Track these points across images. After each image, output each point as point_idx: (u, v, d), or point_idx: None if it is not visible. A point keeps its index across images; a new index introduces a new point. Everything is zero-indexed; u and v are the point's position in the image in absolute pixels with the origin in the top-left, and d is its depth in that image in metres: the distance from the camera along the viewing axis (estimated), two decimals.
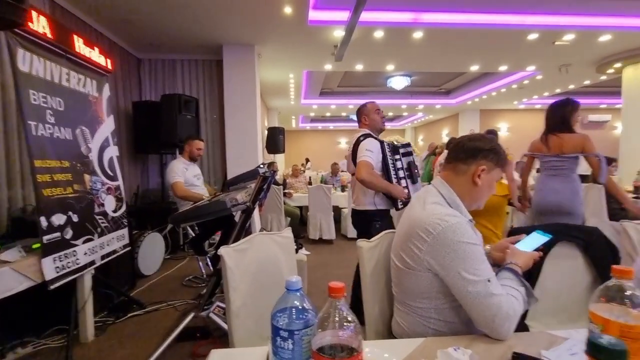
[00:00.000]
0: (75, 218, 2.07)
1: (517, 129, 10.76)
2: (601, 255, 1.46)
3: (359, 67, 5.95)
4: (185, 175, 3.11)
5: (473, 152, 1.03)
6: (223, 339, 2.16)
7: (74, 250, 2.05)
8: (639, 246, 1.53)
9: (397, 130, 16.31)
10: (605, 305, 0.63)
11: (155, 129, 4.29)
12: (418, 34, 4.41)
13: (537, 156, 2.64)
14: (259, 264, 1.27)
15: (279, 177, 6.44)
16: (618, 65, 5.54)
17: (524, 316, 1.46)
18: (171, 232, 4.25)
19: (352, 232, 4.91)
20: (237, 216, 2.41)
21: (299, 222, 5.38)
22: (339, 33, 4.22)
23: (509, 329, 0.87)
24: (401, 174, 2.30)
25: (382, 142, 2.25)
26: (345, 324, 0.51)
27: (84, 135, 2.29)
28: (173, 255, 4.23)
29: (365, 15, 3.89)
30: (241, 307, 1.15)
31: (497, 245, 1.20)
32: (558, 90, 8.16)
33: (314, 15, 3.89)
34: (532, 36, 4.52)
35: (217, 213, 1.87)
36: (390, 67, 6.01)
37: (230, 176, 4.57)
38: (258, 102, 5.01)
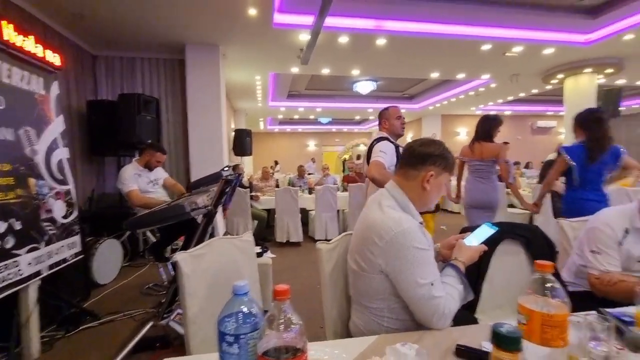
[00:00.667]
0: (17, 225, 1.92)
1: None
2: (540, 251, 1.59)
3: (326, 71, 6.03)
4: (138, 182, 2.96)
5: (422, 158, 1.09)
6: (184, 348, 2.09)
7: (16, 261, 1.90)
8: (574, 241, 1.69)
9: (364, 134, 16.66)
10: (532, 297, 0.69)
11: (112, 130, 4.07)
12: (381, 41, 4.55)
13: (466, 160, 3.14)
14: (218, 269, 1.26)
15: (245, 179, 6.33)
16: (560, 76, 6.06)
17: (473, 310, 1.57)
18: (130, 238, 4.05)
19: (319, 233, 4.95)
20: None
21: (266, 225, 5.33)
22: (304, 37, 4.26)
23: (444, 324, 0.98)
24: None
25: (397, 146, 2.31)
26: (291, 325, 0.52)
27: (29, 136, 2.13)
28: (132, 262, 4.03)
29: (330, 21, 3.96)
30: (198, 314, 1.13)
31: (446, 242, 1.28)
32: (510, 98, 8.76)
33: (279, 18, 3.90)
34: (486, 47, 4.83)
35: (175, 218, 1.82)
36: (355, 72, 6.15)
37: (194, 179, 4.44)
38: (223, 103, 4.92)
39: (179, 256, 1.10)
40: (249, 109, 9.78)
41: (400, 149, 2.28)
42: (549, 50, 5.05)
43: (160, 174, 3.26)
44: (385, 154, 2.19)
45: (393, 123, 2.42)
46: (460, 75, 6.54)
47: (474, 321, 1.43)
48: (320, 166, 8.65)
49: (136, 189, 2.88)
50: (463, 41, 4.62)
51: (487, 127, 3.04)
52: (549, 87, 7.05)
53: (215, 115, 4.77)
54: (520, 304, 0.69)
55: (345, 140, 15.36)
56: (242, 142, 7.18)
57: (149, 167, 3.09)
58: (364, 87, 7.56)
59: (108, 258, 3.41)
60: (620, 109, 6.83)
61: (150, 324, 2.02)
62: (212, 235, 2.20)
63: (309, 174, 11.34)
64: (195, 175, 4.55)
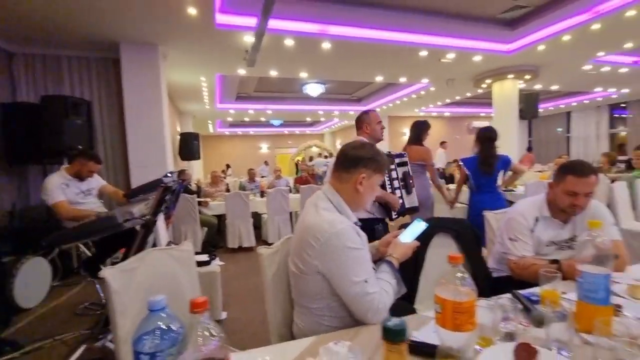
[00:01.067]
0: None
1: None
2: (469, 243, 1.75)
3: (273, 73, 6.00)
4: (66, 192, 2.69)
5: (354, 161, 1.14)
6: None
7: None
8: (498, 232, 1.88)
9: (316, 135, 16.86)
10: (446, 286, 0.77)
11: (35, 136, 3.65)
12: (326, 45, 4.65)
13: None
14: (154, 283, 1.20)
15: (193, 185, 6.07)
16: (489, 81, 6.69)
17: (412, 301, 1.68)
18: (61, 255, 3.66)
19: (273, 237, 4.91)
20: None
21: (217, 232, 5.16)
22: (249, 38, 4.21)
23: (379, 318, 1.03)
24: (396, 184, 2.29)
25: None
26: (210, 338, 0.52)
27: None
28: (65, 280, 3.65)
29: (275, 23, 3.96)
30: (131, 332, 1.07)
31: (383, 240, 1.36)
32: (448, 100, 9.44)
33: (221, 18, 3.80)
34: (423, 53, 5.16)
35: (105, 230, 1.69)
36: (303, 75, 6.20)
37: (135, 187, 4.15)
38: (165, 106, 4.67)
39: (107, 272, 1.03)
40: (196, 111, 9.39)
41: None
42: (477, 58, 5.54)
43: (94, 182, 3.00)
44: None
45: (375, 128, 2.35)
46: (403, 79, 6.90)
47: (413, 311, 1.54)
48: (274, 169, 8.58)
49: (63, 200, 2.62)
50: (402, 47, 4.88)
51: (417, 132, 3.28)
52: (480, 90, 7.72)
53: (157, 118, 4.50)
54: (435, 294, 0.75)
55: (298, 142, 15.41)
56: (189, 146, 6.87)
57: (79, 176, 2.83)
58: (314, 89, 7.66)
59: (33, 279, 3.06)
60: (538, 110, 7.72)
61: (83, 347, 1.86)
62: (154, 246, 2.08)
63: (262, 176, 11.20)
64: (136, 183, 4.25)
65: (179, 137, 7.09)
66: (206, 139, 15.05)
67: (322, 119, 12.92)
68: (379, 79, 6.76)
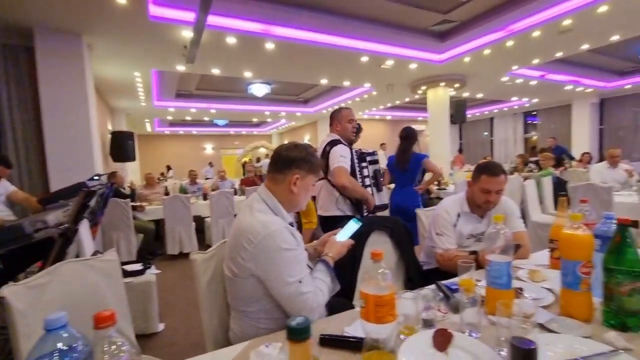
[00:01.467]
0: None
1: (364, 136, 12.60)
2: (402, 239, 1.86)
3: (216, 72, 5.79)
4: None
5: (288, 162, 1.15)
6: None
7: None
8: (428, 227, 2.03)
9: (264, 136, 16.62)
10: (368, 282, 0.81)
11: None
12: (270, 45, 4.62)
13: None
14: (70, 299, 1.09)
15: (126, 188, 5.59)
16: (424, 87, 7.20)
17: (351, 298, 1.74)
18: None
19: (217, 241, 4.70)
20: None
21: (154, 238, 4.82)
22: (188, 34, 4.01)
23: (314, 317, 1.05)
24: (367, 181, 2.28)
25: (350, 149, 2.23)
26: (119, 354, 0.49)
27: None
28: None
29: (216, 20, 3.83)
30: None
31: (320, 239, 1.39)
32: (389, 105, 9.96)
33: (155, 10, 3.57)
34: (364, 59, 5.38)
35: (10, 242, 1.48)
36: (248, 74, 6.08)
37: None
38: (92, 101, 4.24)
39: (7, 290, 0.91)
40: (130, 108, 8.66)
41: (354, 152, 2.27)
42: (413, 66, 5.93)
43: (1, 189, 2.63)
44: (345, 158, 2.13)
45: (345, 126, 2.31)
46: (346, 83, 7.12)
47: (352, 307, 1.60)
48: (218, 170, 8.27)
49: None
50: (345, 52, 5.04)
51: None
52: (417, 96, 8.27)
53: (82, 114, 4.06)
54: (360, 290, 0.79)
55: (245, 143, 15.04)
56: (122, 146, 6.31)
57: None
58: (259, 89, 7.54)
59: None
60: (467, 116, 8.51)
61: None
62: (78, 257, 1.88)
63: (207, 178, 10.71)
64: (56, 186, 3.79)
65: (110, 136, 6.48)
66: (144, 138, 13.98)
67: (269, 120, 12.77)
68: (323, 81, 6.88)
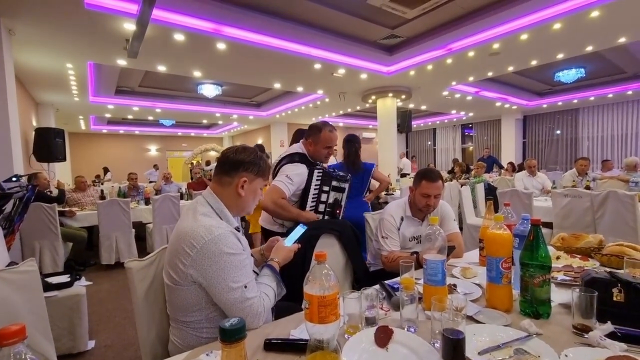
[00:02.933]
0: None
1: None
2: (349, 242, 1.92)
3: (162, 69, 5.48)
4: None
5: (235, 165, 1.13)
6: None
7: None
8: (374, 230, 2.12)
9: (215, 139, 16.03)
10: (313, 283, 0.82)
11: None
12: (221, 46, 4.50)
13: None
14: None
15: (53, 190, 5.01)
16: (374, 97, 7.52)
17: (300, 301, 1.74)
18: None
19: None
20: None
21: (86, 247, 4.36)
22: (130, 26, 3.75)
23: (259, 322, 1.04)
24: (321, 208, 1.98)
25: (312, 170, 1.92)
26: None
27: None
28: None
29: (163, 15, 3.66)
30: None
31: (268, 243, 1.38)
32: (341, 112, 10.23)
33: None
34: (317, 66, 5.49)
35: None
36: (197, 74, 5.84)
37: None
38: (12, 92, 3.76)
39: None
40: (60, 103, 7.81)
41: (317, 172, 1.95)
42: (364, 76, 6.18)
43: None
44: (292, 182, 1.84)
45: (319, 150, 1.98)
46: (300, 89, 7.17)
47: (300, 311, 1.59)
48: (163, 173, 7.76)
49: None
50: (298, 58, 5.09)
51: (297, 139, 3.16)
52: (367, 105, 8.61)
53: None
54: (304, 291, 0.80)
55: (194, 145, 14.36)
56: (48, 144, 5.64)
57: None
58: (209, 90, 7.27)
59: None
60: (412, 126, 9.05)
61: None
62: None
63: (151, 181, 9.98)
64: None
65: (34, 133, 5.77)
66: (77, 137, 12.70)
67: (220, 122, 12.36)
68: (277, 85, 6.86)
